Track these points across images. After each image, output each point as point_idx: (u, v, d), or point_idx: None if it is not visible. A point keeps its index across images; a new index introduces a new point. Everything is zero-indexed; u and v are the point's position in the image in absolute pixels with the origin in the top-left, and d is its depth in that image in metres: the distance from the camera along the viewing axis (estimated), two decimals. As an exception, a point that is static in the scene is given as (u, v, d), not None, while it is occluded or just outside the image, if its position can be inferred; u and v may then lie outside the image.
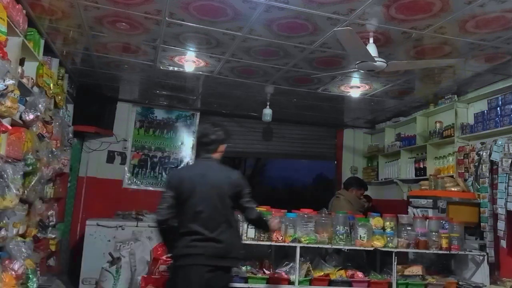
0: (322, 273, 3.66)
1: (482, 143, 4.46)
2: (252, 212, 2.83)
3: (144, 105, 6.57)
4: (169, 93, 5.90)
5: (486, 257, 3.95)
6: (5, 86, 2.52)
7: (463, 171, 4.69)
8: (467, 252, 3.96)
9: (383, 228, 3.79)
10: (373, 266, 3.99)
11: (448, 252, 3.84)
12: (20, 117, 3.22)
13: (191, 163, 2.96)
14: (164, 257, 4.01)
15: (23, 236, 3.37)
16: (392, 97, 5.41)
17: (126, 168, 6.41)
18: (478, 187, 4.35)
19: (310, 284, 3.56)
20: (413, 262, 4.07)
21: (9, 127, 2.79)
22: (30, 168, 3.40)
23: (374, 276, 3.77)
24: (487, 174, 4.22)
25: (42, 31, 3.73)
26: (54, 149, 4.15)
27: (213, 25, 3.43)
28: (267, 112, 5.75)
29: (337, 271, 3.71)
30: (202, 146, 2.90)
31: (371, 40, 3.43)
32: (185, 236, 2.66)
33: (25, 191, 3.36)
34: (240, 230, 3.21)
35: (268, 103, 5.74)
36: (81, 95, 5.65)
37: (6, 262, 2.91)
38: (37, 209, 3.75)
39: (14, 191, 2.82)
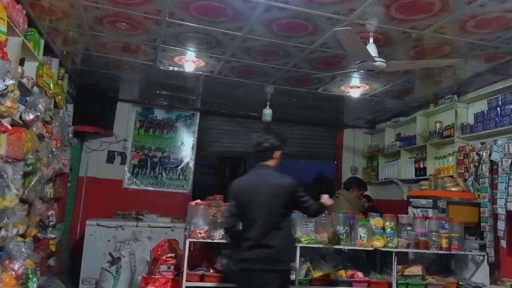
0: (322, 273, 3.66)
1: (482, 143, 4.45)
2: (310, 210, 3.02)
3: (144, 105, 6.57)
4: (169, 93, 5.90)
5: (486, 257, 3.95)
6: (5, 86, 2.52)
7: (463, 171, 4.68)
8: (467, 252, 3.96)
9: (383, 228, 3.78)
10: (373, 266, 3.99)
11: (448, 252, 3.84)
12: (20, 117, 3.22)
13: (250, 171, 3.06)
14: (164, 257, 4.02)
15: (23, 236, 3.36)
16: (392, 97, 5.41)
17: (126, 168, 6.41)
18: (478, 187, 4.35)
19: (310, 284, 3.56)
20: (413, 262, 4.07)
21: (9, 127, 2.79)
22: (30, 168, 3.40)
23: (374, 276, 3.77)
24: (487, 174, 4.22)
25: (42, 31, 3.73)
26: (54, 149, 4.14)
27: (213, 25, 3.43)
28: (267, 112, 5.75)
29: (337, 271, 3.71)
30: (257, 154, 3.02)
31: (371, 40, 3.43)
32: (244, 242, 2.85)
33: (25, 191, 3.36)
34: (292, 233, 3.31)
35: (268, 103, 5.74)
36: (81, 95, 5.65)
37: (6, 262, 2.91)
38: (37, 209, 3.74)
39: (14, 191, 2.82)
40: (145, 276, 4.02)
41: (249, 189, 2.92)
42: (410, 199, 4.83)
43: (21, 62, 3.30)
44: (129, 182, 6.41)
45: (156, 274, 3.91)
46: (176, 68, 4.67)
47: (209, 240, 3.46)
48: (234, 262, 2.95)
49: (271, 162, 3.01)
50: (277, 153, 3.02)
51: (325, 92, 5.29)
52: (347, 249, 3.80)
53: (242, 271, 2.86)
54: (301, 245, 3.55)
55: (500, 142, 4.10)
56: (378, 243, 3.68)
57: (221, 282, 3.31)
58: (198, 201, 3.73)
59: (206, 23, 3.40)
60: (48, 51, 4.10)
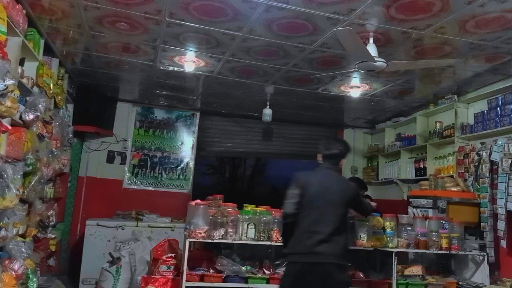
0: (322, 273, 3.65)
1: (482, 143, 4.46)
2: (367, 209, 3.37)
3: (144, 105, 6.57)
4: (169, 93, 5.90)
5: (486, 257, 3.95)
6: (5, 86, 2.52)
7: (463, 171, 4.69)
8: (467, 252, 3.96)
9: (383, 228, 3.79)
10: (373, 266, 3.99)
11: (448, 252, 3.84)
12: (20, 117, 3.22)
13: (315, 169, 3.20)
14: (164, 257, 4.02)
15: (23, 236, 3.37)
16: (392, 97, 5.41)
17: (126, 168, 6.41)
18: (478, 187, 4.35)
19: (310, 284, 3.55)
20: (413, 262, 4.07)
21: (9, 127, 2.79)
22: (30, 168, 3.40)
23: (374, 276, 3.77)
24: (487, 174, 4.22)
25: (42, 31, 3.73)
26: (54, 149, 4.15)
27: (213, 25, 3.43)
28: (267, 112, 5.75)
29: (337, 271, 3.70)
30: (326, 158, 3.15)
31: (371, 40, 3.43)
32: (309, 235, 2.88)
33: (25, 191, 3.36)
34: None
35: (268, 103, 5.75)
36: (81, 95, 5.65)
37: (6, 262, 2.91)
38: (37, 209, 3.75)
39: (14, 191, 2.82)
40: (145, 276, 4.02)
41: (318, 184, 3.00)
42: (410, 199, 4.83)
43: (21, 62, 3.30)
44: (129, 182, 6.41)
45: (156, 274, 3.91)
46: (176, 68, 4.67)
47: (209, 240, 3.46)
48: (300, 255, 2.89)
49: (336, 167, 3.22)
50: (343, 161, 3.28)
51: (325, 92, 5.29)
52: (347, 249, 3.81)
53: (311, 264, 2.84)
54: (301, 245, 3.55)
55: (500, 142, 4.10)
56: (378, 243, 3.68)
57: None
58: (198, 201, 3.73)
59: (206, 23, 3.40)
60: (48, 51, 4.11)
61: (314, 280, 2.80)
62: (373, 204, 3.63)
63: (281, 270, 3.59)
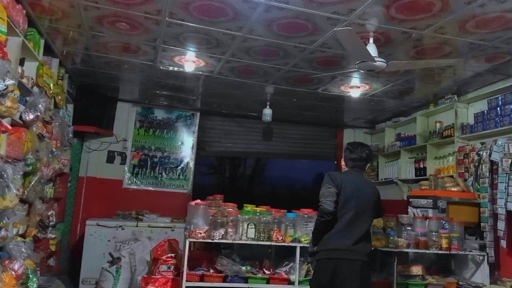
0: (322, 273, 3.65)
1: (482, 143, 4.46)
2: (380, 214, 3.35)
3: (144, 105, 6.57)
4: (169, 93, 5.90)
5: (486, 257, 3.96)
6: (5, 86, 2.52)
7: (463, 171, 4.69)
8: (467, 252, 3.96)
9: (383, 228, 3.79)
10: (373, 266, 3.99)
11: (448, 252, 3.84)
12: (20, 117, 3.22)
13: (348, 171, 3.23)
14: (164, 257, 4.02)
15: (23, 236, 3.37)
16: (392, 97, 5.41)
17: (126, 168, 6.42)
18: (478, 187, 4.35)
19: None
20: (413, 262, 4.07)
21: (9, 127, 2.79)
22: (30, 168, 3.40)
23: (374, 276, 3.76)
24: (487, 174, 4.22)
25: (42, 31, 3.73)
26: (54, 149, 4.15)
27: (213, 25, 3.43)
28: (267, 112, 5.76)
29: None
30: (354, 161, 3.19)
31: (371, 40, 3.43)
32: (346, 233, 2.94)
33: (25, 191, 3.36)
34: None
35: (268, 103, 5.75)
36: (81, 95, 5.65)
37: (6, 262, 2.91)
38: (37, 209, 3.75)
39: (14, 191, 2.82)
40: (145, 276, 4.02)
41: (353, 185, 3.02)
42: (410, 199, 4.83)
43: (21, 62, 3.31)
44: (129, 182, 6.42)
45: (156, 274, 3.92)
46: (176, 68, 4.67)
47: (209, 240, 3.46)
48: (339, 252, 2.93)
49: (363, 170, 3.30)
50: (367, 165, 3.40)
51: (325, 92, 5.29)
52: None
53: (349, 261, 2.91)
54: (301, 245, 3.56)
55: (500, 142, 4.10)
56: (378, 243, 3.67)
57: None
58: (198, 201, 3.73)
59: (206, 23, 3.40)
60: (48, 51, 4.11)
61: (350, 275, 2.87)
62: None
63: (283, 269, 3.60)
